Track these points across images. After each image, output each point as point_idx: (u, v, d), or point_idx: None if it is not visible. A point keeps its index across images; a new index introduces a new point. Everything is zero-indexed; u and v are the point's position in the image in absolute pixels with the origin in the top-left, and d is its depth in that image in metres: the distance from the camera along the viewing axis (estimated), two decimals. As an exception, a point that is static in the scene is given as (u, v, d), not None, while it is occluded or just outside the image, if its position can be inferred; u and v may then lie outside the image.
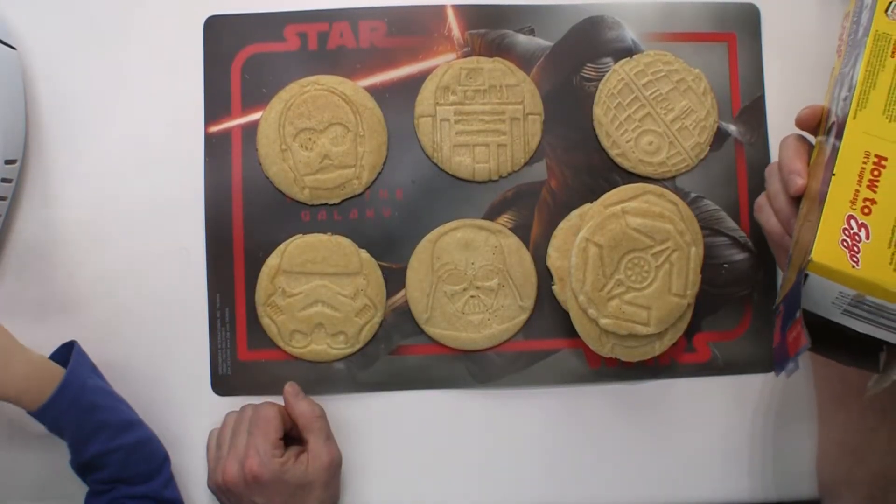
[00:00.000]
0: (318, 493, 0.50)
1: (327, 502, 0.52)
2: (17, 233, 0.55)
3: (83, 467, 0.49)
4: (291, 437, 0.53)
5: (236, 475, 0.49)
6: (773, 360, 0.43)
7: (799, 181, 0.44)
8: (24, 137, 0.54)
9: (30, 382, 0.47)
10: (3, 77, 0.53)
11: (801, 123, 0.48)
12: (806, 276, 0.38)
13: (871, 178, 0.39)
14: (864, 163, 0.40)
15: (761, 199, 0.50)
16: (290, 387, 0.54)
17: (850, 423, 0.51)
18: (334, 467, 0.52)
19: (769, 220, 0.48)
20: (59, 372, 0.49)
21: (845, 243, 0.38)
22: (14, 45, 0.54)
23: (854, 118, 0.41)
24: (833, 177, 0.40)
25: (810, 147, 0.47)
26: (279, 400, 0.54)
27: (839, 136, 0.41)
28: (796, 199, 0.46)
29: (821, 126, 0.47)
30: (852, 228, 0.38)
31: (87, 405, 0.49)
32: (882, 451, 0.49)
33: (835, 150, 0.41)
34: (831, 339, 0.40)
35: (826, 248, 0.38)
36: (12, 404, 0.47)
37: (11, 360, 0.47)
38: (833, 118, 0.44)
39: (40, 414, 0.47)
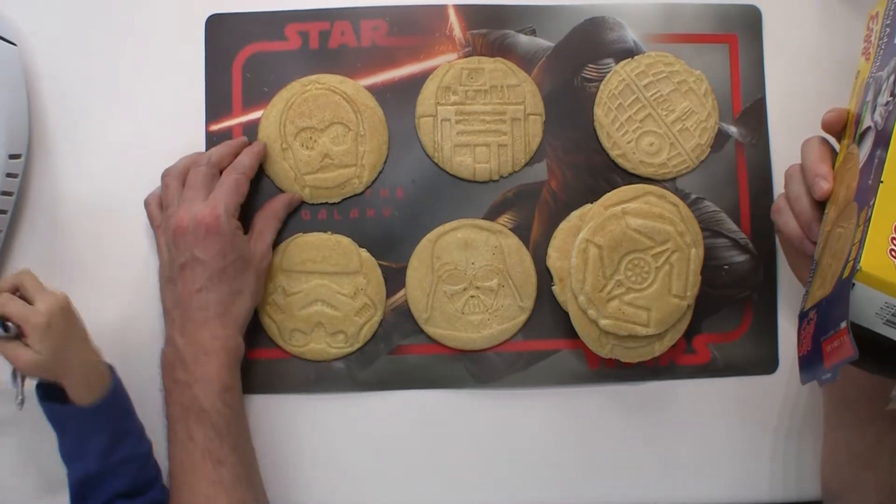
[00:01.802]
0: (251, 273, 0.51)
1: (255, 294, 0.51)
2: (25, 228, 0.55)
3: (91, 481, 0.48)
4: None
5: (187, 223, 0.49)
6: (800, 368, 0.42)
7: (825, 185, 0.44)
8: (27, 133, 0.54)
9: (86, 376, 0.48)
10: (5, 73, 0.53)
11: (827, 127, 0.47)
12: (853, 285, 0.38)
13: None
14: None
15: (780, 202, 0.49)
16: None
17: (859, 426, 0.50)
18: (267, 261, 0.53)
19: (788, 223, 0.47)
20: (106, 370, 0.49)
21: (894, 253, 0.37)
22: (15, 42, 0.54)
23: None
24: (881, 184, 0.39)
25: (833, 150, 0.47)
26: (278, 399, 0.54)
27: (882, 143, 0.40)
28: (820, 203, 0.45)
29: (847, 129, 0.47)
30: None
31: (128, 408, 0.50)
32: (891, 457, 0.49)
33: (874, 158, 0.40)
34: (859, 347, 0.39)
35: (875, 257, 0.37)
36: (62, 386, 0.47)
37: (80, 349, 0.48)
38: (868, 123, 0.43)
39: (91, 410, 0.47)
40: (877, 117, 0.43)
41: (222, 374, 0.49)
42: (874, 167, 0.40)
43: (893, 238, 0.38)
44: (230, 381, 0.49)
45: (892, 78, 0.43)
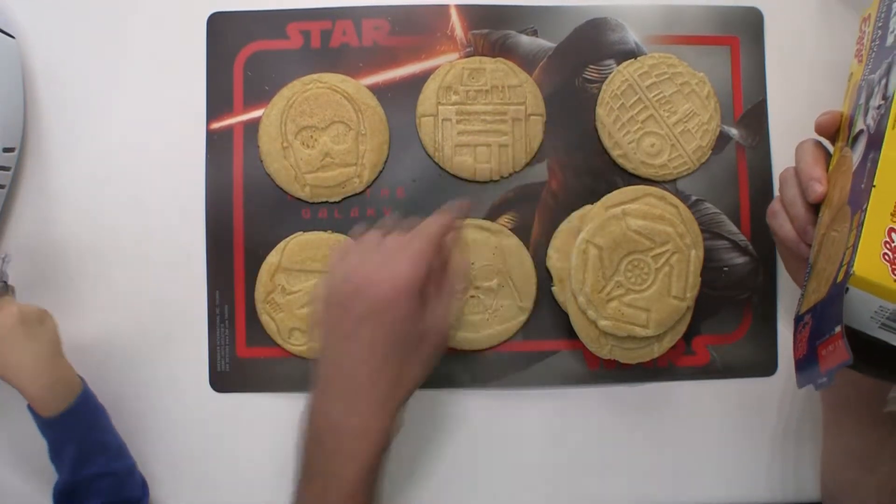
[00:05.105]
0: (425, 351, 0.44)
1: (424, 374, 0.45)
2: (15, 223, 0.55)
3: (71, 492, 0.48)
4: None
5: (384, 275, 0.42)
6: (797, 372, 0.42)
7: (819, 188, 0.44)
8: (22, 126, 0.54)
9: (52, 389, 0.48)
10: (2, 65, 0.53)
11: (820, 130, 0.47)
12: (846, 289, 0.38)
13: None
14: None
15: (775, 205, 0.49)
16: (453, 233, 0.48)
17: (859, 430, 0.50)
18: (445, 337, 0.45)
19: (783, 226, 0.47)
20: (77, 384, 0.49)
21: (887, 257, 0.37)
22: (13, 34, 0.54)
23: (893, 129, 0.40)
24: (873, 188, 0.39)
25: (828, 153, 0.47)
26: (276, 398, 0.54)
27: (874, 146, 0.40)
28: (814, 206, 0.45)
29: (840, 132, 0.47)
30: (893, 241, 0.38)
31: (96, 423, 0.50)
32: (891, 461, 0.48)
33: (867, 161, 0.40)
34: (855, 351, 0.39)
35: (868, 261, 0.37)
36: (26, 401, 0.47)
37: (47, 364, 0.48)
38: (861, 126, 0.43)
39: (54, 422, 0.47)
40: (869, 121, 0.43)
41: (359, 476, 0.41)
42: (867, 171, 0.40)
43: (886, 242, 0.38)
44: (367, 492, 0.42)
45: (883, 81, 0.43)
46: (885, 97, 0.42)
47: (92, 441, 0.49)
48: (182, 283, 0.55)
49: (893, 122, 0.40)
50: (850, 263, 0.38)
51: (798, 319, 0.43)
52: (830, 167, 0.46)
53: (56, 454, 0.48)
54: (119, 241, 0.55)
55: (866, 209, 0.39)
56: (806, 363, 0.41)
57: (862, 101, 0.45)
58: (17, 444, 0.53)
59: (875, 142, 0.41)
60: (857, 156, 0.42)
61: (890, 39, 0.44)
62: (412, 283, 0.43)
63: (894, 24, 0.44)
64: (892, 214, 0.38)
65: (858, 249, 0.38)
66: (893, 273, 0.37)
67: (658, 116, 0.56)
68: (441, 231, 0.46)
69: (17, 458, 0.54)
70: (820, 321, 0.40)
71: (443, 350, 0.46)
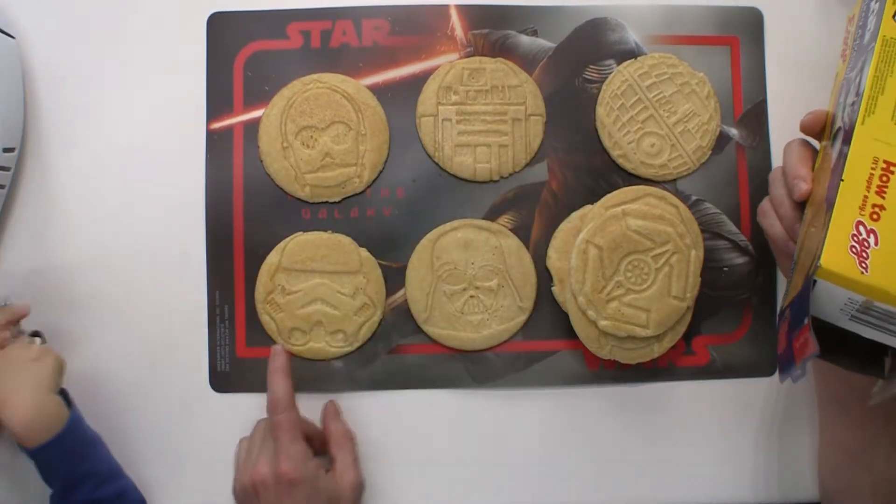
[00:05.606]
0: None
1: None
2: (15, 223, 0.55)
3: None
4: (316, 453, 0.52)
5: (267, 475, 0.47)
6: (778, 367, 0.43)
7: (804, 186, 0.44)
8: (22, 126, 0.54)
9: (36, 423, 0.48)
10: (1, 66, 0.53)
11: (805, 129, 0.48)
12: (814, 282, 0.38)
13: (880, 183, 0.39)
14: (873, 169, 0.40)
15: (765, 205, 0.49)
16: (331, 405, 0.54)
17: (853, 427, 0.50)
18: (359, 490, 0.51)
19: (773, 225, 0.48)
20: (63, 414, 0.49)
21: (854, 249, 0.38)
22: (13, 34, 0.54)
23: (862, 124, 0.41)
24: (842, 182, 0.39)
25: (814, 152, 0.47)
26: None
27: (847, 141, 0.41)
28: (801, 205, 0.46)
29: (825, 131, 0.47)
30: (861, 234, 0.38)
31: (83, 453, 0.50)
32: (886, 458, 0.49)
33: (842, 156, 0.41)
34: (835, 345, 0.39)
35: (835, 254, 0.38)
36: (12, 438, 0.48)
37: (27, 399, 0.48)
38: (839, 124, 0.44)
39: (37, 453, 0.47)
40: (845, 117, 0.43)
41: None
42: (840, 166, 0.41)
43: (854, 235, 0.38)
44: None
45: (857, 79, 0.43)
46: (857, 94, 0.42)
47: (76, 471, 0.49)
48: (182, 284, 0.55)
49: (862, 118, 0.41)
50: (819, 256, 0.38)
51: (780, 314, 0.44)
52: (816, 166, 0.46)
53: (44, 478, 0.49)
54: (119, 242, 0.55)
55: (834, 202, 0.39)
56: (786, 357, 0.42)
57: (842, 99, 0.45)
58: (14, 452, 0.52)
59: (848, 138, 0.41)
60: (835, 153, 0.43)
61: (867, 38, 0.44)
62: (298, 473, 0.47)
63: (871, 23, 0.44)
64: (861, 208, 0.39)
65: (826, 242, 0.38)
66: (861, 266, 0.38)
67: (658, 116, 0.56)
68: (286, 393, 0.51)
69: (13, 464, 0.54)
70: (795, 315, 0.40)
71: (361, 494, 0.51)
